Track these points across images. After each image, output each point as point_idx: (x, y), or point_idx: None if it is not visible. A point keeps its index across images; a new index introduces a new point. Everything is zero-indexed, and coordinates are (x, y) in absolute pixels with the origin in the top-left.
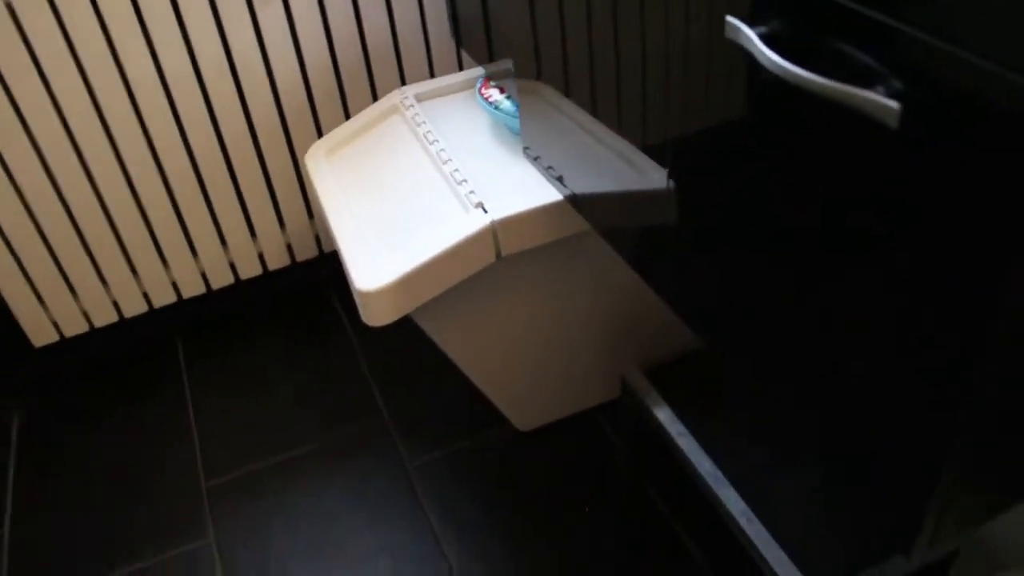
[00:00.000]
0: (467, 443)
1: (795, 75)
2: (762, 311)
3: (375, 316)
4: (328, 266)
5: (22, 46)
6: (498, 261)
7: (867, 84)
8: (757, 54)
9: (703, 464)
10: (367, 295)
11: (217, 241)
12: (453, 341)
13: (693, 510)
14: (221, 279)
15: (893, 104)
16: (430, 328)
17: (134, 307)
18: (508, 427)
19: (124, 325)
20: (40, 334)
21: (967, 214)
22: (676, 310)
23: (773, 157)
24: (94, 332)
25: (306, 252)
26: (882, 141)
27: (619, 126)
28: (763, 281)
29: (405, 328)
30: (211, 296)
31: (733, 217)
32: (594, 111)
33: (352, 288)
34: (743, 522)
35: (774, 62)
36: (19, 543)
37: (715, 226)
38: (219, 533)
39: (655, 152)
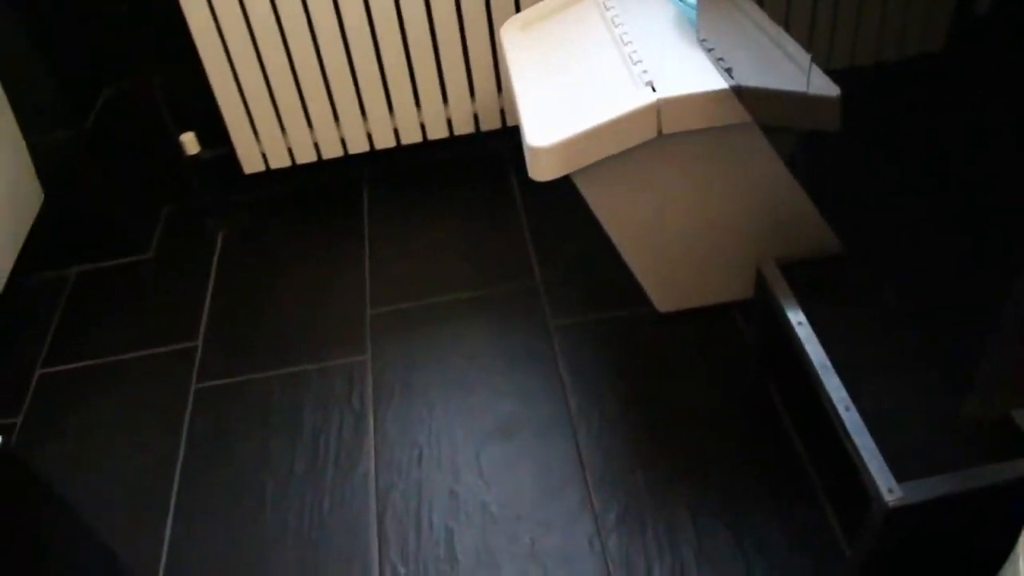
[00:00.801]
0: (608, 314)
1: None
2: (902, 226)
3: (541, 171)
4: (508, 140)
5: None
6: (659, 138)
7: None
8: None
9: (816, 353)
10: (537, 150)
11: (412, 101)
12: (608, 211)
13: (802, 404)
14: (410, 136)
15: None
16: (589, 194)
17: (332, 151)
18: (649, 307)
19: (321, 166)
20: (251, 163)
21: None
22: (822, 211)
23: (950, 95)
24: (295, 168)
25: (490, 123)
26: None
27: (807, 41)
28: (910, 198)
29: (567, 206)
30: (399, 151)
31: (894, 138)
32: (777, 15)
33: (524, 145)
34: (841, 409)
35: None
36: (211, 333)
37: (876, 142)
38: (374, 353)
39: (831, 70)
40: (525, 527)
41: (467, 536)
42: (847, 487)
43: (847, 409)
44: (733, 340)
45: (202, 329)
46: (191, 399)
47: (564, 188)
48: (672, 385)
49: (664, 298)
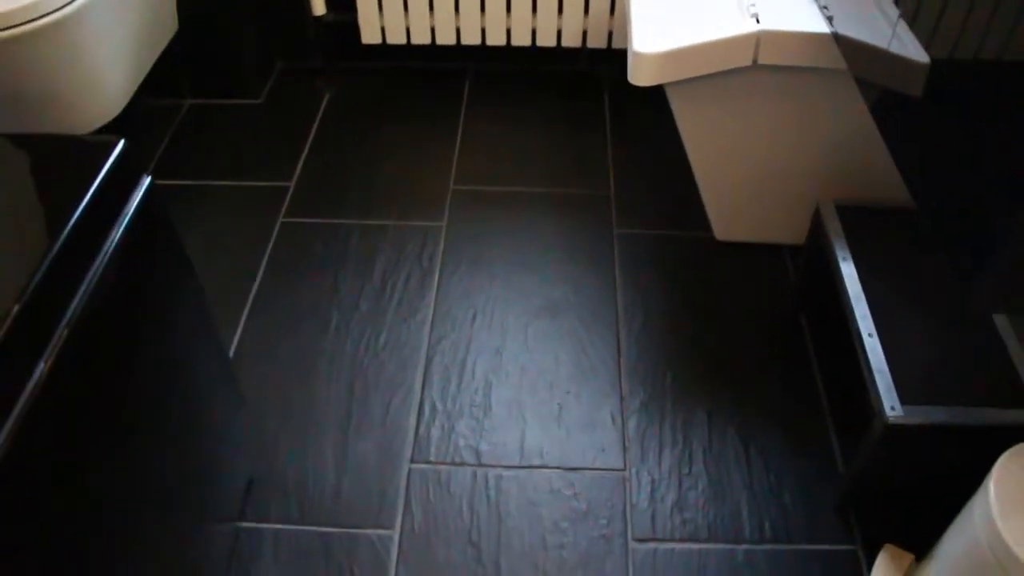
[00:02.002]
0: (669, 232)
1: None
2: (967, 191)
3: (641, 76)
4: (609, 65)
5: None
6: (753, 67)
7: None
8: None
9: (853, 285)
10: (640, 55)
11: (530, 5)
12: (693, 129)
13: (828, 337)
14: (521, 39)
15: None
16: (679, 110)
17: (446, 37)
18: (708, 233)
19: (432, 49)
20: (370, 33)
21: None
22: (897, 161)
23: None
24: (409, 46)
25: (597, 41)
26: None
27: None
28: (981, 166)
29: (650, 134)
30: (508, 50)
31: (976, 107)
32: None
33: (629, 50)
34: (865, 336)
35: None
36: (304, 177)
37: (960, 108)
38: (450, 222)
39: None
40: (557, 393)
41: (503, 391)
42: (853, 414)
43: (870, 335)
44: (779, 277)
45: (297, 173)
46: (276, 230)
47: (650, 118)
48: (714, 304)
49: (724, 226)
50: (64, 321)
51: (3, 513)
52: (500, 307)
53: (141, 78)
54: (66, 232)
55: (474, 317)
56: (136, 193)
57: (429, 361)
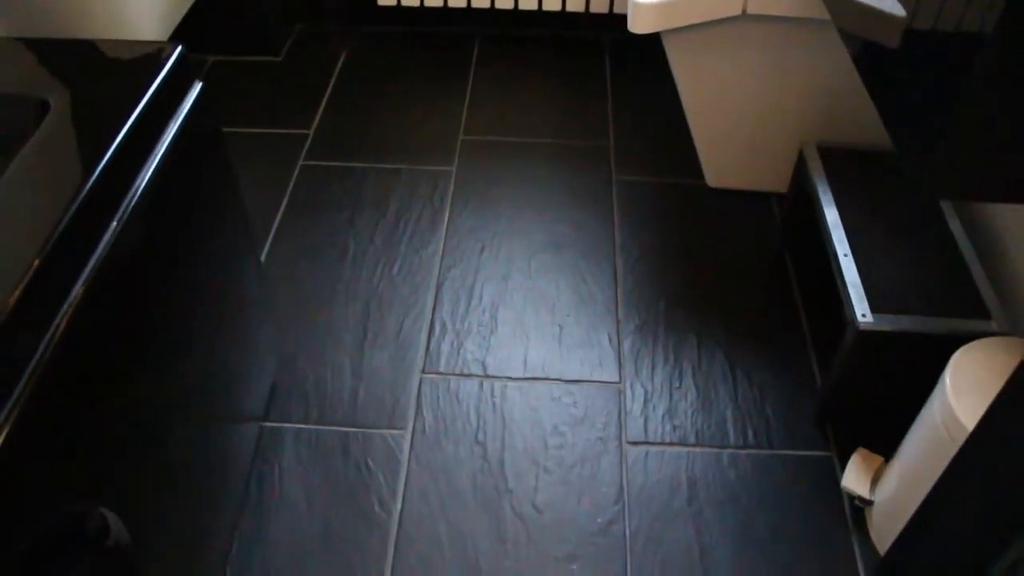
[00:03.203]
0: (664, 179)
1: None
2: (944, 129)
3: (640, 25)
4: (610, 32)
5: None
6: (742, 16)
7: None
8: None
9: (831, 214)
10: (639, 5)
11: None
12: (687, 77)
13: (811, 271)
14: (527, 3)
15: None
16: (675, 58)
17: (457, 1)
18: (701, 180)
19: (445, 12)
20: None
21: None
22: (879, 108)
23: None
24: (422, 8)
25: (600, 6)
26: None
27: None
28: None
29: (648, 94)
30: (516, 13)
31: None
32: None
33: (629, 2)
34: (841, 256)
35: None
36: (322, 126)
37: (938, 59)
38: (459, 168)
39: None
40: (558, 316)
41: (508, 312)
42: (831, 333)
43: (845, 256)
44: (766, 221)
45: (315, 122)
46: (296, 172)
47: (649, 79)
48: (705, 243)
49: (716, 174)
50: (123, 207)
51: (56, 401)
52: (506, 242)
53: (170, 31)
54: (129, 125)
55: (482, 250)
56: (190, 95)
57: (440, 287)
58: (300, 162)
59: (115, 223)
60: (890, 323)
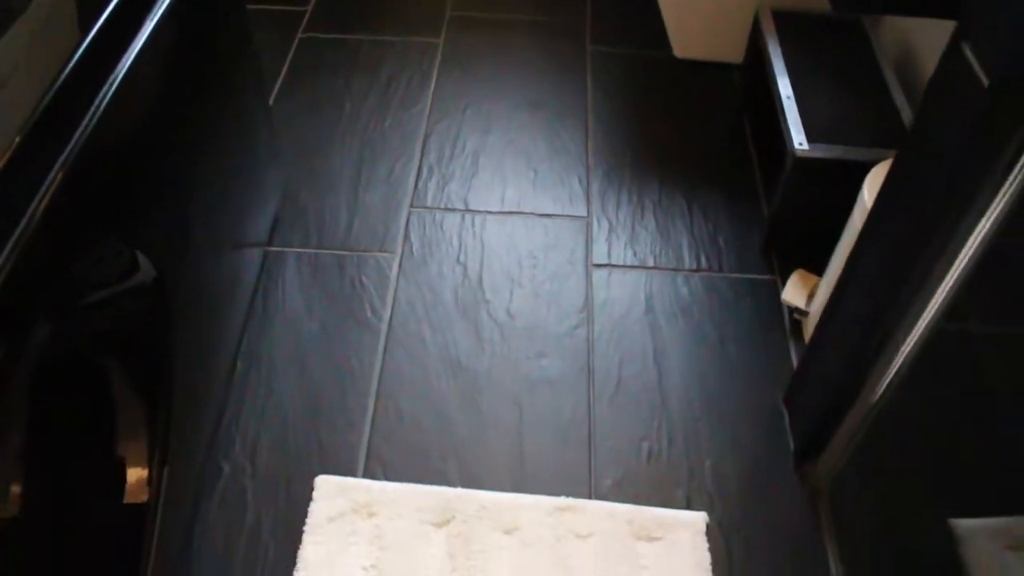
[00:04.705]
0: (634, 51)
1: None
2: None
3: None
4: None
5: None
6: None
7: None
8: None
9: (779, 65)
10: None
11: None
12: None
13: (763, 128)
14: None
15: None
16: None
17: None
18: (668, 52)
19: None
20: None
21: None
22: None
23: None
24: None
25: None
26: None
27: None
28: None
29: None
30: None
31: None
32: None
33: None
34: (784, 99)
35: None
36: (320, 6)
37: None
38: (446, 39)
39: None
40: (533, 162)
41: (488, 160)
42: (777, 172)
43: (788, 98)
44: (727, 89)
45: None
46: (296, 43)
47: None
48: (671, 106)
49: (682, 44)
50: (141, 36)
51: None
52: (488, 101)
53: None
54: None
55: (465, 108)
56: None
57: (427, 137)
58: (299, 34)
59: (135, 51)
60: (823, 151)
